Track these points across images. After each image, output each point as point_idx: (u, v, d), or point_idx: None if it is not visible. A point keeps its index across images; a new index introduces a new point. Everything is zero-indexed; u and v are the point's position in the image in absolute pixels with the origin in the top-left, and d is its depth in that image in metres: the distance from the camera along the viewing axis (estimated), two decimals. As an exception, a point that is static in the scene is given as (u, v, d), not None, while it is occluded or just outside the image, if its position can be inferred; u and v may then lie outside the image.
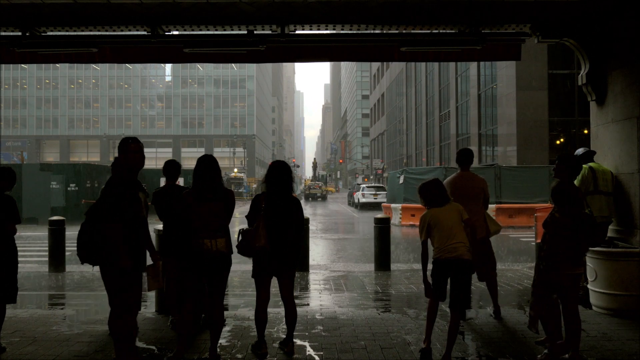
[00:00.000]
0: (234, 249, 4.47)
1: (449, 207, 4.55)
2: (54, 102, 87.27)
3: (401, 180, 21.23)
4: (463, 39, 6.82)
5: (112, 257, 3.90)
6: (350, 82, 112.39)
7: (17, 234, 4.66)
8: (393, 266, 9.14)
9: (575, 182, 6.42)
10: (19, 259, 4.79)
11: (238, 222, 21.65)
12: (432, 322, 4.58)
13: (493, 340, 4.96)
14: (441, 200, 4.56)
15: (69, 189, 20.69)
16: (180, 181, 20.40)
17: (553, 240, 4.28)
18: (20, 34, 6.92)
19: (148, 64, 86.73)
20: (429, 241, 4.53)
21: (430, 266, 4.54)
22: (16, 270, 4.70)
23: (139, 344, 4.89)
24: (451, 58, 7.92)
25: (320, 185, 51.21)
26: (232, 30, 6.96)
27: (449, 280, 4.47)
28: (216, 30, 6.96)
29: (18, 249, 4.72)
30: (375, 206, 29.18)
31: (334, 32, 7.21)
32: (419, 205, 4.70)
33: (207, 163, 4.40)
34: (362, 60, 8.56)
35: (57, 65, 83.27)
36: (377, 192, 31.00)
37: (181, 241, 4.41)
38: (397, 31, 7.04)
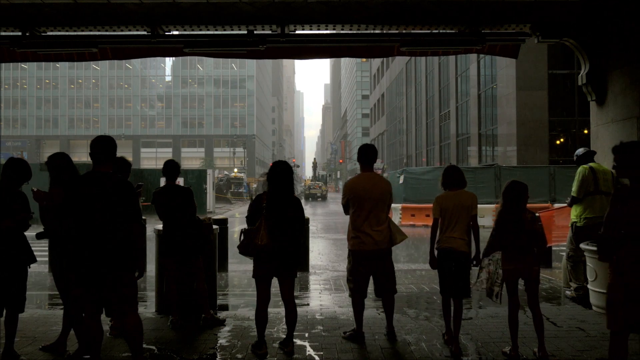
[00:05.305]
0: (235, 249, 4.47)
1: (461, 195, 4.76)
2: (54, 102, 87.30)
3: (401, 180, 21.22)
4: (463, 39, 6.82)
5: None
6: (350, 82, 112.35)
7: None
8: (393, 266, 9.12)
9: (575, 182, 6.43)
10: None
11: (238, 222, 21.64)
12: (449, 318, 4.79)
13: (493, 340, 4.96)
14: (452, 184, 4.83)
15: (69, 189, 20.61)
16: (180, 181, 20.43)
17: (495, 237, 4.57)
18: (20, 34, 6.92)
19: (148, 64, 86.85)
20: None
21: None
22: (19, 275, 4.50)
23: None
24: (450, 52, 8.19)
25: (320, 185, 51.17)
26: (232, 30, 6.96)
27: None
28: (216, 30, 6.96)
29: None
30: (375, 206, 29.08)
31: (334, 32, 7.22)
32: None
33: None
34: (363, 57, 8.60)
35: (57, 65, 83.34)
36: (377, 192, 30.91)
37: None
38: (397, 31, 7.04)
